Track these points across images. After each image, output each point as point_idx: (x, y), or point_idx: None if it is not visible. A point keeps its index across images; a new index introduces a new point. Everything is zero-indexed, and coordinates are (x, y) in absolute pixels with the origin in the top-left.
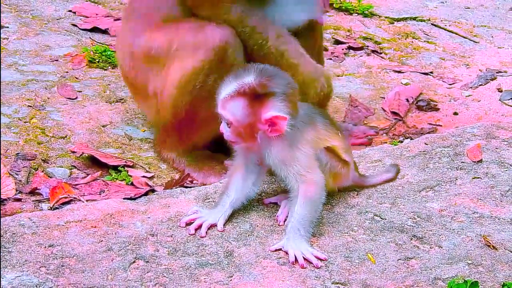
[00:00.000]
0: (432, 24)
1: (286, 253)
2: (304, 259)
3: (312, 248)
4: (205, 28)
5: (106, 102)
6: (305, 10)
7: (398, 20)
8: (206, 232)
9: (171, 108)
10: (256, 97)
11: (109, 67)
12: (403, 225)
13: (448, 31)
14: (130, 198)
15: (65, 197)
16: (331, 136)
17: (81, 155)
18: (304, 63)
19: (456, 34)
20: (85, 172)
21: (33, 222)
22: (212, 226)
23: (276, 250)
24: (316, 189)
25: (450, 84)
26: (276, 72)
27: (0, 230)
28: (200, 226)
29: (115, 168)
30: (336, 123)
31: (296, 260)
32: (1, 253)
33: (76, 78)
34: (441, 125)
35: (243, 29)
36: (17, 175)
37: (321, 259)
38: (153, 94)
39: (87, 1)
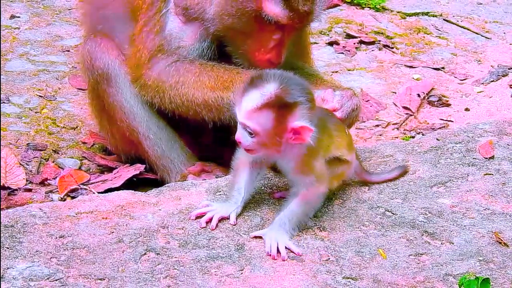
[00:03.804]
0: (444, 20)
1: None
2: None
3: (289, 241)
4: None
5: None
6: None
7: (410, 15)
8: (217, 225)
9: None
10: (283, 107)
11: None
12: (414, 220)
13: (460, 26)
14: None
15: (75, 188)
16: (341, 136)
17: (92, 145)
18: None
19: (468, 29)
20: (95, 163)
21: (44, 212)
22: (223, 219)
23: (255, 237)
24: (316, 197)
25: (462, 80)
26: (295, 79)
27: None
28: (211, 219)
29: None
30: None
31: (272, 250)
32: (12, 243)
33: None
34: (452, 121)
35: (159, 94)
36: (28, 165)
37: (294, 253)
38: None
39: None
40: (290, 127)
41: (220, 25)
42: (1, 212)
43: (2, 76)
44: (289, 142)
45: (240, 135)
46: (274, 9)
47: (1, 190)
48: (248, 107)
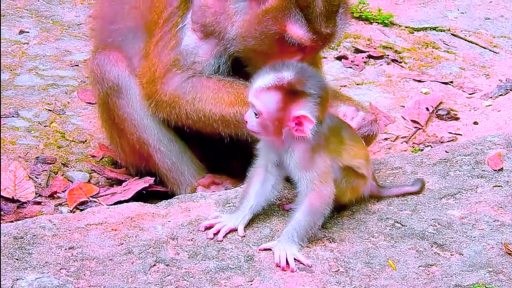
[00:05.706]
0: (452, 34)
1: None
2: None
3: (298, 252)
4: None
5: None
6: None
7: (418, 29)
8: (225, 237)
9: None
10: (291, 93)
11: None
12: (423, 232)
13: (468, 41)
14: (153, 193)
15: (85, 201)
16: (357, 146)
17: (101, 159)
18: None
19: (476, 44)
20: (104, 176)
21: (53, 224)
22: (232, 230)
23: (264, 250)
24: (322, 202)
25: (470, 94)
26: (314, 73)
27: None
28: (219, 231)
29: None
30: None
31: (281, 261)
32: (22, 255)
33: None
34: (461, 134)
35: (175, 110)
36: (37, 178)
37: (303, 264)
38: None
39: None
40: (292, 115)
41: (242, 46)
42: (11, 224)
43: (11, 91)
44: (291, 132)
45: (248, 115)
46: (298, 32)
47: (11, 203)
48: (258, 86)
